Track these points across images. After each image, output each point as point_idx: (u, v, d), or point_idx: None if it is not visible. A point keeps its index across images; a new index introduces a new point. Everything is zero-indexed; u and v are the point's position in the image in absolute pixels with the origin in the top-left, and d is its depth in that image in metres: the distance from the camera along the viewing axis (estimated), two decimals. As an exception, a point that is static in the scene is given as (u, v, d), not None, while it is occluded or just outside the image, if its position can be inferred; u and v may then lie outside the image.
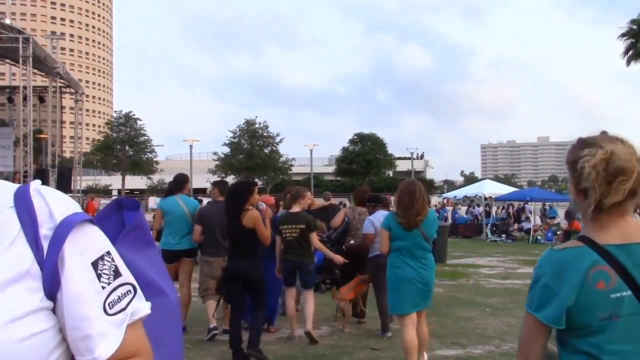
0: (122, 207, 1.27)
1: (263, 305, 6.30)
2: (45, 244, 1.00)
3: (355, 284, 7.48)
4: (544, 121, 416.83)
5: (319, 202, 11.67)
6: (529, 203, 26.52)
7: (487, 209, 27.83)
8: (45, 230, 1.00)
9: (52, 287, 0.99)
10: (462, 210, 31.41)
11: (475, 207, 29.57)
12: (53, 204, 1.03)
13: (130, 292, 1.05)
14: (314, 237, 6.92)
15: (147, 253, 1.27)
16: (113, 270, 1.04)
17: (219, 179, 54.05)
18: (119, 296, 1.03)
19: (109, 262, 1.04)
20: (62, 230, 1.00)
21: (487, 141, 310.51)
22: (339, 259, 7.17)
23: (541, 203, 27.43)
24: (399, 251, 5.31)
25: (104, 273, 1.03)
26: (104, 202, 34.16)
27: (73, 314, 0.99)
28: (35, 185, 1.06)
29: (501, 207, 29.96)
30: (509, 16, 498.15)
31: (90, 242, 1.04)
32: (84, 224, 1.04)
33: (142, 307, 1.08)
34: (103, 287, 1.02)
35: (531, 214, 26.81)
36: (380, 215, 7.00)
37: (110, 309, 1.01)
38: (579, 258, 1.73)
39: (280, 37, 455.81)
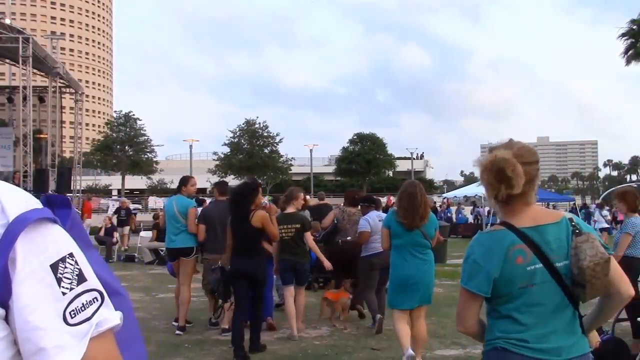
0: (52, 204, 1.09)
1: (262, 303, 6.53)
2: None
3: (340, 294, 7.62)
4: (544, 121, 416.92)
5: (314, 202, 11.89)
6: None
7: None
8: None
9: (2, 292, 0.87)
10: (467, 210, 31.40)
11: (480, 207, 29.47)
12: (7, 199, 0.92)
13: (97, 300, 0.93)
14: (309, 237, 7.18)
15: (92, 253, 1.11)
16: (77, 275, 0.92)
17: (219, 179, 54.23)
18: (83, 304, 0.91)
19: (71, 264, 0.92)
20: (15, 228, 0.89)
21: (486, 141, 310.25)
22: (327, 264, 7.34)
23: (546, 203, 27.46)
24: (399, 249, 5.53)
25: (65, 277, 0.90)
26: (104, 202, 34.20)
27: (24, 323, 0.87)
28: None
29: None
30: (508, 16, 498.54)
31: (50, 242, 0.92)
32: (43, 222, 0.92)
33: (110, 317, 0.95)
34: (64, 293, 0.89)
35: None
36: (374, 215, 7.33)
37: (72, 318, 0.89)
38: (501, 239, 2.15)
39: (279, 38, 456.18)
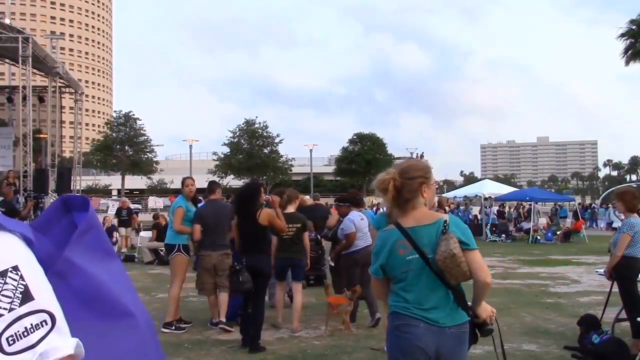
0: (70, 207, 0.98)
1: (263, 298, 6.95)
2: None
3: (340, 300, 7.58)
4: (544, 121, 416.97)
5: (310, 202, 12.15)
6: (539, 203, 26.87)
7: (501, 208, 27.90)
8: None
9: None
10: (475, 210, 31.40)
11: (488, 207, 29.36)
12: None
13: (46, 324, 0.77)
14: (306, 237, 7.58)
15: (107, 262, 0.98)
16: (20, 292, 0.76)
17: (219, 179, 54.26)
18: (26, 328, 0.75)
19: (13, 280, 0.77)
20: None
21: (486, 141, 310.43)
22: (307, 265, 7.76)
23: (552, 203, 27.62)
24: None
25: (3, 295, 0.75)
26: (104, 201, 34.15)
27: None
28: None
29: (513, 207, 30.20)
30: (506, 16, 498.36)
31: None
32: None
33: (60, 345, 0.78)
34: (0, 315, 0.74)
35: (539, 214, 27.11)
36: (356, 215, 7.67)
37: (10, 345, 0.73)
38: (391, 236, 2.86)
39: (278, 38, 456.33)
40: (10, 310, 0.75)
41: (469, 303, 3.00)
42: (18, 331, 0.75)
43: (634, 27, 33.69)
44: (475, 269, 2.84)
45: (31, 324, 0.76)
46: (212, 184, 8.40)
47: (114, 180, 60.23)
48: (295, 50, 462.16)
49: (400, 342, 2.83)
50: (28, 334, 0.75)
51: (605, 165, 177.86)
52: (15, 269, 0.78)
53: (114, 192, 58.33)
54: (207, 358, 6.22)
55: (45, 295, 0.79)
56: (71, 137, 26.52)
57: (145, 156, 50.83)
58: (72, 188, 23.46)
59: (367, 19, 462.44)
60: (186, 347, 6.58)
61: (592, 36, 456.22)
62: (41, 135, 23.04)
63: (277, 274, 7.49)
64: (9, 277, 0.77)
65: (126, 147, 50.30)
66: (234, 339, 6.93)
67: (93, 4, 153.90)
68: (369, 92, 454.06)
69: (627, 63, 34.27)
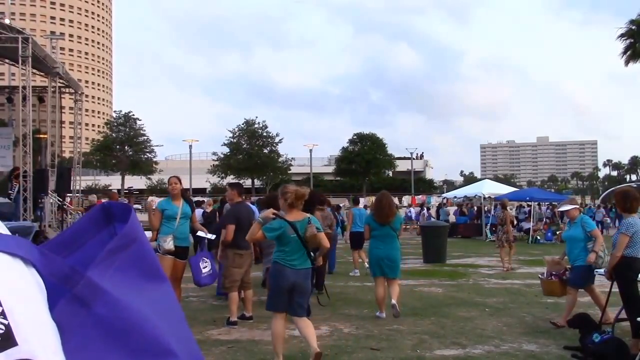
0: (112, 216, 0.81)
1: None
2: None
3: None
4: (544, 121, 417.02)
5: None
6: (543, 203, 26.99)
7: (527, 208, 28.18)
8: None
9: None
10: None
11: (493, 208, 29.27)
12: None
13: None
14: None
15: (149, 286, 0.79)
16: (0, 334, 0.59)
17: (218, 179, 54.09)
18: None
19: None
20: None
21: (486, 141, 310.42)
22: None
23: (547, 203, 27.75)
24: (375, 238, 8.18)
25: None
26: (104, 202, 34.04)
27: None
28: None
29: (514, 208, 30.28)
30: (503, 17, 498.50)
31: None
32: None
33: None
34: None
35: (541, 211, 27.28)
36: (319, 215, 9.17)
37: None
38: (282, 224, 5.55)
39: (277, 38, 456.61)
40: None
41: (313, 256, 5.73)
42: None
43: (633, 27, 33.70)
44: (322, 240, 5.69)
45: None
46: (239, 186, 8.63)
47: (113, 181, 60.20)
48: (293, 50, 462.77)
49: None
50: None
51: (605, 165, 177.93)
52: None
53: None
54: (207, 358, 6.21)
55: (33, 338, 0.61)
56: (71, 137, 26.49)
57: (145, 156, 50.79)
58: (71, 188, 23.46)
59: (364, 19, 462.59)
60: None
61: (592, 37, 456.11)
62: (41, 136, 23.02)
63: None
64: None
65: (126, 147, 50.27)
66: (234, 339, 6.93)
67: (93, 4, 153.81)
68: (369, 92, 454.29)
69: (626, 63, 34.30)
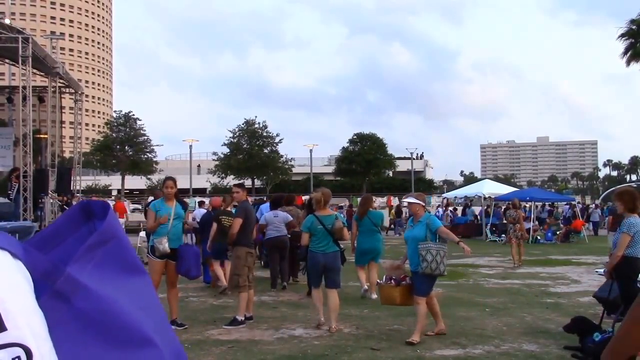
0: (92, 214, 0.84)
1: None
2: None
3: None
4: (544, 121, 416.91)
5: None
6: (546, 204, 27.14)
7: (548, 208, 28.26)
8: None
9: None
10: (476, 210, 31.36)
11: (495, 208, 29.05)
12: None
13: None
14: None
15: (127, 279, 0.83)
16: None
17: (219, 179, 54.01)
18: None
19: None
20: None
21: (486, 141, 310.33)
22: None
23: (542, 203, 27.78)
24: (361, 232, 9.81)
25: None
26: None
27: None
28: None
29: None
30: (500, 17, 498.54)
31: None
32: None
33: None
34: None
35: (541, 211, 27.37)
36: (272, 213, 11.22)
37: None
38: (311, 218, 7.61)
39: (272, 39, 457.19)
40: None
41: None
42: None
43: (633, 27, 33.67)
44: (344, 233, 7.56)
45: None
46: (244, 186, 8.81)
47: (113, 181, 60.20)
48: (283, 51, 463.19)
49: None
50: None
51: (605, 165, 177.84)
52: None
53: (114, 192, 58.29)
54: (207, 358, 6.21)
55: (22, 324, 0.66)
56: (71, 137, 26.49)
57: (145, 156, 50.77)
58: (71, 188, 23.46)
59: (362, 19, 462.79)
60: (186, 347, 6.57)
61: (592, 36, 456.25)
62: (41, 136, 23.01)
63: (215, 254, 10.47)
64: None
65: (126, 147, 50.25)
66: (234, 339, 6.93)
67: (93, 4, 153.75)
68: (368, 92, 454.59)
69: (627, 64, 34.27)
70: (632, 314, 1.87)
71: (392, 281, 7.09)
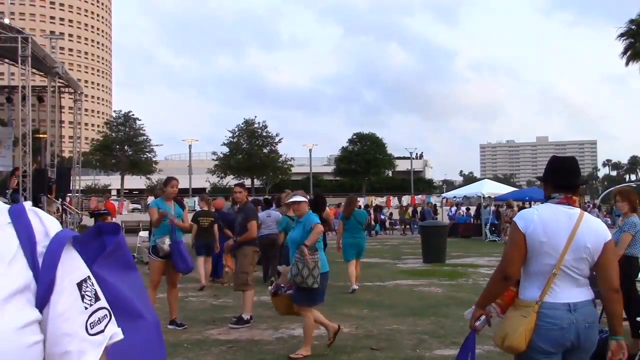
0: (102, 232, 1.29)
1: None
2: (40, 261, 1.05)
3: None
4: (543, 121, 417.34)
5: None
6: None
7: (499, 208, 27.87)
8: (41, 248, 1.06)
9: (42, 302, 1.03)
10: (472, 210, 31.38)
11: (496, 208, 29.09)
12: (48, 224, 1.10)
13: (107, 317, 1.09)
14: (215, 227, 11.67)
15: (127, 275, 1.30)
16: (94, 294, 1.09)
17: (218, 179, 53.96)
18: (99, 318, 1.07)
19: (90, 285, 1.10)
20: (56, 249, 1.06)
21: (486, 141, 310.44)
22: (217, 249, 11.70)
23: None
24: (347, 230, 10.63)
25: (87, 295, 1.07)
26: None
27: (56, 329, 1.03)
28: (28, 205, 1.13)
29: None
30: (495, 18, 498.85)
31: (77, 263, 1.10)
32: (70, 247, 1.10)
33: (117, 332, 1.11)
34: (86, 308, 1.06)
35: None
36: (264, 213, 11.70)
37: (92, 329, 1.06)
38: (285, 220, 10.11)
39: (268, 39, 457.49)
40: (91, 305, 1.07)
41: None
42: (95, 320, 1.06)
43: (633, 27, 33.70)
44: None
45: (101, 316, 1.08)
46: (244, 186, 8.88)
47: (113, 180, 60.18)
48: (280, 51, 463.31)
49: None
50: (99, 323, 1.07)
51: (604, 165, 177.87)
52: (89, 277, 1.10)
53: (114, 192, 58.29)
54: (206, 358, 6.21)
55: (104, 298, 1.11)
56: (70, 137, 26.49)
57: (145, 156, 50.76)
58: (71, 188, 23.45)
59: (360, 19, 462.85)
60: (186, 347, 6.57)
61: (592, 37, 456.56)
62: (41, 135, 23.00)
63: (198, 250, 11.19)
64: (88, 282, 1.09)
65: (125, 147, 50.25)
66: (234, 339, 6.93)
67: (93, 4, 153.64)
68: (369, 93, 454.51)
69: (627, 63, 34.30)
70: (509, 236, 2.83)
71: (282, 289, 6.44)
